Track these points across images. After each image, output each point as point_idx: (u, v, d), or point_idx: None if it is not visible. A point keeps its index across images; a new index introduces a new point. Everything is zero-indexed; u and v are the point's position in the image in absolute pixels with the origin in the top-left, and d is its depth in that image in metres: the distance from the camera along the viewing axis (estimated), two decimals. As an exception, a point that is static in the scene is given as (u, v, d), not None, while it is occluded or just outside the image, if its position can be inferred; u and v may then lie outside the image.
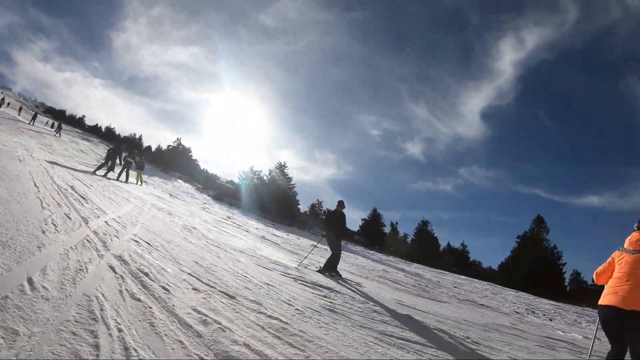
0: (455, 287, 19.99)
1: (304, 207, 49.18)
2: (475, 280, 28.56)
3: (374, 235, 42.34)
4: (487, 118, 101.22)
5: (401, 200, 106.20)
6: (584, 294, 44.70)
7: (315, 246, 11.74)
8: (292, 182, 41.86)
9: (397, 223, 48.74)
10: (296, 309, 4.45)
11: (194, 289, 4.16)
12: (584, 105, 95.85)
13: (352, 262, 16.82)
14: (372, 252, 31.26)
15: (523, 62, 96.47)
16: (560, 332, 8.48)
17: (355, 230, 45.39)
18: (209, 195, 35.14)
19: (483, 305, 12.32)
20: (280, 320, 3.79)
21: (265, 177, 40.69)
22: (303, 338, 3.47)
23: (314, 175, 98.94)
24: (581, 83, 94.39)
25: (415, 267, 26.08)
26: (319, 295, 5.85)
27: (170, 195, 23.05)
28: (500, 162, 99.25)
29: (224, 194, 37.45)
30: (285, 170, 42.22)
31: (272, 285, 5.53)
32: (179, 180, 39.08)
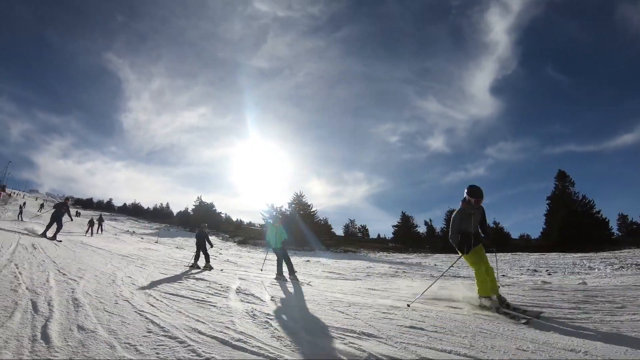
0: (435, 264, 21.51)
1: (339, 229, 49.18)
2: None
3: (407, 238, 41.56)
4: (497, 92, 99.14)
5: (438, 196, 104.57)
6: (634, 235, 42.57)
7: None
8: (317, 207, 41.94)
9: (431, 220, 47.78)
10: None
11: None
12: (587, 48, 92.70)
13: (354, 266, 16.63)
14: (404, 255, 30.76)
15: (515, 26, 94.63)
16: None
17: (389, 237, 44.95)
18: (234, 242, 35.46)
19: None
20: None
21: (287, 211, 40.84)
22: None
23: (349, 196, 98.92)
24: (578, 27, 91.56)
25: (432, 259, 25.68)
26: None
27: (177, 247, 23.32)
28: (524, 130, 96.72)
29: (249, 237, 37.68)
30: (304, 199, 42.32)
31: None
32: (205, 236, 39.50)
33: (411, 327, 4.79)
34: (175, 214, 63.32)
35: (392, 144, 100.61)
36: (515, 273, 17.00)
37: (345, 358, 3.51)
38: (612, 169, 78.37)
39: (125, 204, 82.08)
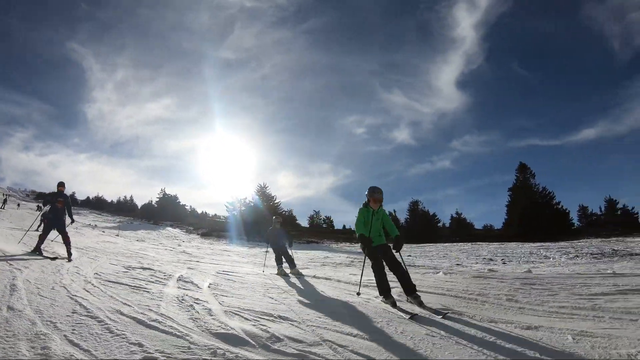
0: None
1: (304, 221, 49.61)
2: (448, 244, 28.90)
3: (372, 229, 42.21)
4: (463, 86, 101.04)
5: (404, 188, 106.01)
6: (593, 226, 44.67)
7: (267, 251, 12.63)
8: (283, 199, 42.20)
9: (395, 212, 48.75)
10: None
11: None
12: (553, 45, 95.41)
13: (312, 256, 17.01)
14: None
15: (482, 22, 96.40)
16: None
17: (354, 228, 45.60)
18: (198, 234, 35.41)
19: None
20: None
21: (250, 203, 40.99)
22: None
23: (315, 188, 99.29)
24: (544, 25, 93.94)
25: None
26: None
27: (138, 240, 23.27)
28: (489, 124, 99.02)
29: (213, 229, 37.66)
30: (267, 191, 42.54)
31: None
32: (168, 228, 39.33)
33: (332, 312, 5.12)
34: (139, 207, 62.62)
35: (358, 135, 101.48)
36: (471, 262, 17.53)
37: (245, 337, 3.77)
38: (574, 162, 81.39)
39: (88, 197, 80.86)
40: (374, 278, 6.12)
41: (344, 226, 52.97)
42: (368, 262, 6.28)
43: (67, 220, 10.95)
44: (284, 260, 10.62)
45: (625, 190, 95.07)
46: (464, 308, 5.60)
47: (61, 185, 11.13)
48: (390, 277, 6.03)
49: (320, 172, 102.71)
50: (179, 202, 52.67)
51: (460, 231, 42.63)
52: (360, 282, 7.25)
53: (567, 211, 44.98)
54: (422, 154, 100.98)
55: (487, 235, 41.70)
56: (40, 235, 10.78)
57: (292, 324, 4.40)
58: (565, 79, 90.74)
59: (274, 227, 11.35)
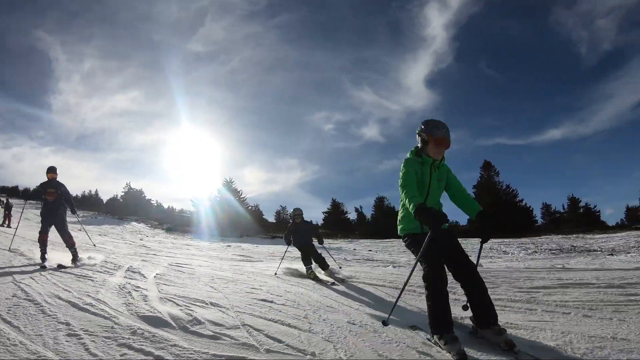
0: (354, 249, 22.99)
1: (270, 216, 49.89)
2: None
3: (337, 225, 42.80)
4: (432, 84, 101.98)
5: (371, 184, 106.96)
6: (556, 223, 46.33)
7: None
8: (250, 194, 42.29)
9: (361, 207, 49.31)
10: None
11: None
12: (522, 47, 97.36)
13: (272, 250, 17.36)
14: (330, 240, 31.76)
15: (453, 22, 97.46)
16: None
17: (321, 224, 46.15)
18: (163, 229, 35.32)
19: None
20: None
21: (216, 198, 41.06)
22: None
23: (282, 183, 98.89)
24: (514, 26, 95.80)
25: (356, 244, 26.91)
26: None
27: (100, 234, 23.17)
28: (456, 122, 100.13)
29: (178, 224, 37.57)
30: (234, 185, 42.71)
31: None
32: (133, 223, 39.04)
33: (263, 300, 5.44)
34: (104, 202, 61.76)
35: (326, 132, 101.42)
36: (410, 257, 17.98)
37: (169, 320, 4.08)
38: (539, 161, 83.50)
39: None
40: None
41: (311, 221, 53.07)
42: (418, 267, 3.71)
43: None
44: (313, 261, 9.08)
45: (587, 189, 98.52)
46: (400, 299, 6.00)
47: (51, 171, 9.03)
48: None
49: (287, 167, 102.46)
50: (145, 196, 52.30)
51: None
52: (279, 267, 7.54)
53: (530, 209, 46.48)
54: (390, 151, 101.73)
55: (455, 230, 42.63)
56: (38, 239, 8.71)
57: (220, 310, 4.69)
58: (532, 80, 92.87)
59: (294, 223, 9.76)
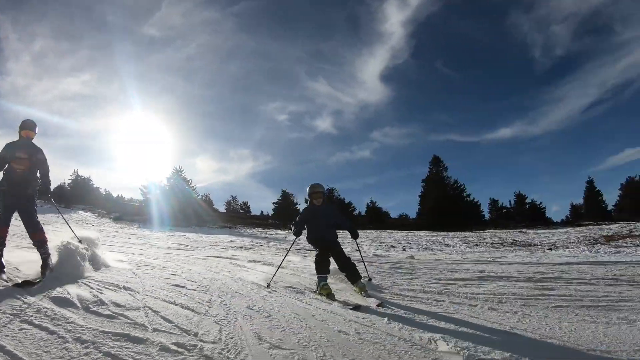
0: (299, 239, 22.43)
1: (221, 206, 49.92)
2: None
3: (287, 216, 43.19)
4: (387, 80, 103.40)
5: (324, 176, 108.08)
6: (503, 218, 48.59)
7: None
8: (201, 184, 42.08)
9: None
10: None
11: None
12: (477, 47, 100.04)
13: (216, 240, 17.71)
14: (278, 231, 32.20)
15: (411, 19, 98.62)
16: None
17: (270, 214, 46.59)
18: (110, 218, 34.85)
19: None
20: None
21: (165, 186, 40.77)
22: None
23: (234, 173, 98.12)
24: (471, 27, 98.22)
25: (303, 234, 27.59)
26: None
27: (43, 224, 22.76)
28: (410, 117, 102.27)
29: (127, 213, 37.13)
30: (183, 174, 42.53)
31: None
32: (80, 212, 38.25)
33: (176, 285, 5.80)
34: (52, 190, 59.87)
35: (280, 122, 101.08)
36: (372, 248, 18.51)
37: (74, 300, 4.44)
38: (489, 158, 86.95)
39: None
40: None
41: (262, 212, 53.66)
42: None
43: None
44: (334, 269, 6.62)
45: (535, 186, 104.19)
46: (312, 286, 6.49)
47: (27, 127, 6.17)
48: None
49: (240, 157, 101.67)
50: (93, 184, 51.03)
51: (376, 219, 44.57)
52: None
53: (478, 203, 48.65)
54: (342, 143, 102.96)
55: (402, 224, 43.88)
56: None
57: (129, 293, 5.02)
58: (487, 80, 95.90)
59: (311, 204, 7.02)
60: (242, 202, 55.16)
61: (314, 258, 6.52)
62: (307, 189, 7.02)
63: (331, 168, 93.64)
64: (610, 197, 70.01)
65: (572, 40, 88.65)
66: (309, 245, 7.07)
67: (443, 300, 5.65)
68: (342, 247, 6.70)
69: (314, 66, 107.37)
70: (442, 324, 4.44)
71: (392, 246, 19.95)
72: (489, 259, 11.53)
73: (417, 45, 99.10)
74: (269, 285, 6.35)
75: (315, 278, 6.38)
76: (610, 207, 53.77)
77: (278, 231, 31.49)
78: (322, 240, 6.64)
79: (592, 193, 54.06)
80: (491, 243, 21.15)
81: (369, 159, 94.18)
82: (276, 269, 7.17)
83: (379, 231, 31.90)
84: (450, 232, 28.53)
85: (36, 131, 6.33)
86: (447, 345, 3.62)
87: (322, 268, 6.29)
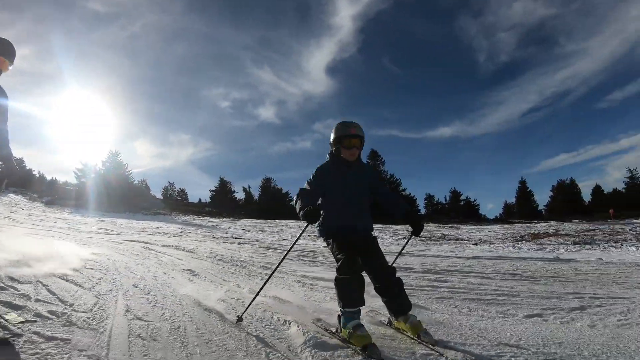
0: (229, 227, 23.36)
1: (159, 192, 49.53)
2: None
3: (224, 203, 43.44)
4: (333, 72, 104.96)
5: (264, 165, 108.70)
6: (439, 213, 51.09)
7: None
8: (140, 168, 41.61)
9: (250, 187, 50.33)
10: None
11: None
12: (424, 46, 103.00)
13: (144, 226, 17.94)
14: (211, 218, 32.48)
15: (361, 15, 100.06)
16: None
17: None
18: (42, 202, 34.06)
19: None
20: None
21: (100, 170, 40.14)
22: None
23: (173, 159, 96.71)
24: (420, 26, 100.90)
25: (236, 224, 27.91)
26: None
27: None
28: (353, 111, 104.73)
29: (60, 197, 36.37)
30: (119, 158, 41.98)
31: None
32: (11, 195, 37.06)
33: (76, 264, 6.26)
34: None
35: (222, 109, 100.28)
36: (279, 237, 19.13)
37: None
38: (428, 155, 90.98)
39: None
40: None
41: (200, 199, 53.36)
42: None
43: None
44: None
45: (470, 184, 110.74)
46: (210, 269, 7.08)
47: None
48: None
49: (180, 142, 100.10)
50: (26, 166, 49.44)
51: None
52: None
53: (414, 198, 51.13)
54: (284, 133, 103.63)
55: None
56: None
57: (30, 268, 5.37)
58: (431, 80, 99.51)
59: (336, 159, 4.04)
60: (180, 188, 55.09)
61: (336, 274, 3.65)
62: (334, 129, 4.06)
63: (272, 157, 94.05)
64: (543, 197, 75.21)
65: (516, 48, 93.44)
66: (319, 239, 4.96)
67: (318, 289, 5.95)
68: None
69: (260, 54, 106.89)
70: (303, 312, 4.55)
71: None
72: (403, 252, 12.23)
73: (365, 41, 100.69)
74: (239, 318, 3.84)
75: (337, 309, 3.75)
76: (541, 207, 58.47)
77: (212, 219, 31.79)
78: (351, 232, 3.88)
79: (524, 193, 58.12)
80: (419, 236, 21.74)
81: (310, 150, 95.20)
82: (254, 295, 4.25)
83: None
84: (383, 224, 29.51)
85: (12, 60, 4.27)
86: (297, 327, 3.72)
87: (352, 293, 3.54)
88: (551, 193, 58.84)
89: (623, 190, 58.12)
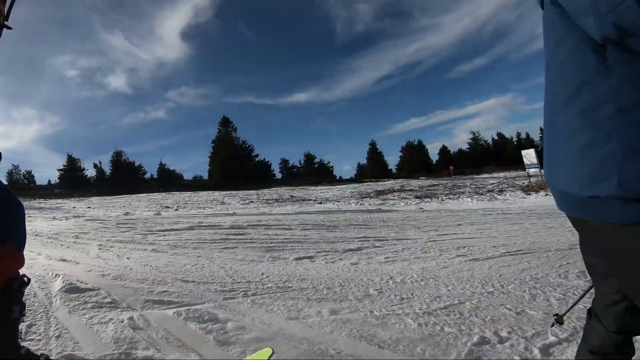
0: (74, 207, 23.07)
1: (1, 176, 45.22)
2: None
3: (74, 183, 40.81)
4: (188, 37, 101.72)
5: (115, 138, 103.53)
6: (294, 176, 53.22)
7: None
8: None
9: (101, 163, 47.66)
10: None
11: None
12: (282, 13, 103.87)
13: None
14: (59, 200, 30.66)
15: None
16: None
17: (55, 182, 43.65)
18: None
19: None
20: None
21: None
22: None
23: (18, 138, 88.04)
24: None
25: (85, 202, 26.99)
26: None
27: None
28: (208, 78, 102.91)
29: None
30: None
31: None
32: None
33: None
34: None
35: (69, 78, 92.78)
36: (143, 210, 18.35)
37: None
38: (284, 121, 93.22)
39: None
40: None
41: (49, 181, 49.38)
42: None
43: None
44: None
45: (325, 147, 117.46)
46: (46, 244, 7.14)
47: None
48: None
49: (25, 119, 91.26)
50: None
51: (168, 182, 44.66)
52: None
53: (268, 163, 52.24)
54: (136, 103, 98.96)
55: (196, 185, 44.71)
56: None
57: None
58: (287, 46, 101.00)
59: None
60: (26, 170, 50.45)
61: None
62: None
63: (124, 129, 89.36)
64: (394, 158, 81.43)
65: (373, 20, 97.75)
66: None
67: (142, 248, 6.31)
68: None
69: (111, 17, 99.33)
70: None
71: (168, 207, 20.19)
72: (230, 212, 12.78)
73: (222, 5, 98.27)
74: None
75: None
76: (392, 167, 63.82)
77: (61, 200, 30.02)
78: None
79: (374, 154, 63.09)
80: (266, 200, 22.65)
81: (164, 119, 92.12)
82: None
83: (163, 194, 32.44)
84: (234, 190, 30.00)
85: None
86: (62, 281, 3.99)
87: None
88: (401, 154, 64.53)
89: (467, 150, 66.93)
